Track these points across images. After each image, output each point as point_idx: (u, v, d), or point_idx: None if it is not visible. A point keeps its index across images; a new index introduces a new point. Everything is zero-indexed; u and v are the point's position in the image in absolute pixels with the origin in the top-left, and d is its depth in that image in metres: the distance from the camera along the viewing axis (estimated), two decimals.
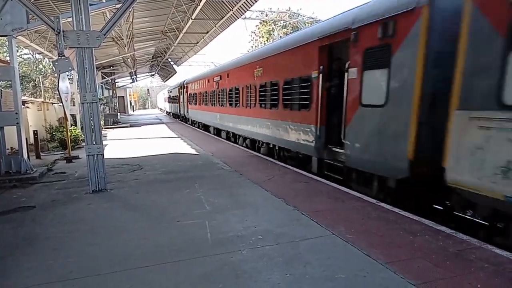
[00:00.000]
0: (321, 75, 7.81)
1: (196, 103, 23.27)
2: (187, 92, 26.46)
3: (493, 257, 3.76)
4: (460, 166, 4.57)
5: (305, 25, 28.75)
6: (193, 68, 57.30)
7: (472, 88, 4.38)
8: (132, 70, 36.30)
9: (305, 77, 8.49)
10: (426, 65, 5.20)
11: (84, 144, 7.25)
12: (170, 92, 37.63)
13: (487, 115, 4.20)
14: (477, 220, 5.41)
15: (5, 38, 8.63)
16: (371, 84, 6.30)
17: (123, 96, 51.16)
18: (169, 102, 41.56)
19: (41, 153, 11.73)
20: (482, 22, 4.24)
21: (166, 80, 52.74)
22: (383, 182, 6.24)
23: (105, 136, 17.35)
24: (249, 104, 12.55)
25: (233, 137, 15.67)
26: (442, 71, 4.99)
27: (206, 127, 21.23)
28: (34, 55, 34.43)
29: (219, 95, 16.92)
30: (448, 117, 4.70)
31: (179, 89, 30.15)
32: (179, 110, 31.26)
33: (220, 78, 16.53)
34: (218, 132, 18.35)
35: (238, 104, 13.86)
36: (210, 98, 18.73)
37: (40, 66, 37.80)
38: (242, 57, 14.69)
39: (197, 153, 11.79)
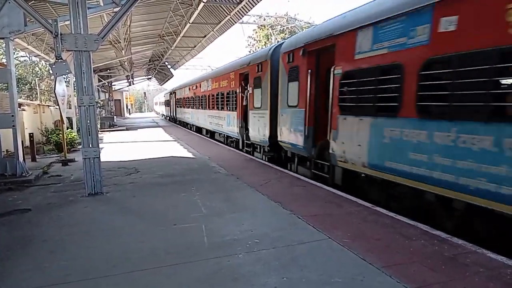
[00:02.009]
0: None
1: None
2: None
3: (488, 261, 3.79)
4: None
5: (302, 29, 28.88)
6: (190, 71, 57.28)
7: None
8: (129, 73, 36.25)
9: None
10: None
11: (80, 147, 7.24)
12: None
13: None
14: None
15: (2, 40, 8.60)
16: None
17: (120, 99, 51.07)
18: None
19: (37, 156, 11.68)
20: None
21: (163, 84, 52.73)
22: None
23: (101, 139, 17.30)
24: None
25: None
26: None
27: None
28: (30, 58, 34.38)
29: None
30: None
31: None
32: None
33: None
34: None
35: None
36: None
37: (37, 68, 37.69)
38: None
39: (194, 157, 11.78)
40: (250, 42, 50.64)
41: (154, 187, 7.59)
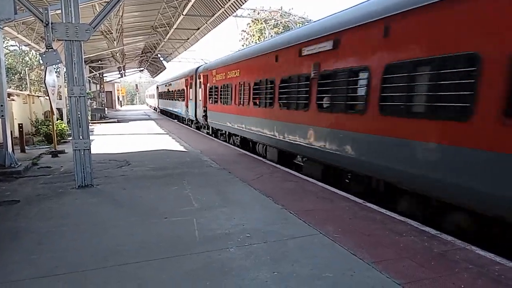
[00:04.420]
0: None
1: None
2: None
3: (476, 258, 3.84)
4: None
5: (296, 25, 28.80)
6: (182, 64, 57.01)
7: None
8: (121, 65, 35.87)
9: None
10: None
11: (70, 138, 7.14)
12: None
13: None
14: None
15: None
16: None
17: (111, 91, 50.57)
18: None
19: (26, 147, 11.52)
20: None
21: (155, 76, 52.28)
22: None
23: (92, 131, 17.11)
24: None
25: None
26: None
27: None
28: (20, 47, 33.75)
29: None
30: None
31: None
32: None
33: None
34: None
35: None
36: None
37: (27, 58, 37.08)
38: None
39: (186, 150, 11.73)
40: (244, 36, 50.48)
41: (145, 180, 7.53)
